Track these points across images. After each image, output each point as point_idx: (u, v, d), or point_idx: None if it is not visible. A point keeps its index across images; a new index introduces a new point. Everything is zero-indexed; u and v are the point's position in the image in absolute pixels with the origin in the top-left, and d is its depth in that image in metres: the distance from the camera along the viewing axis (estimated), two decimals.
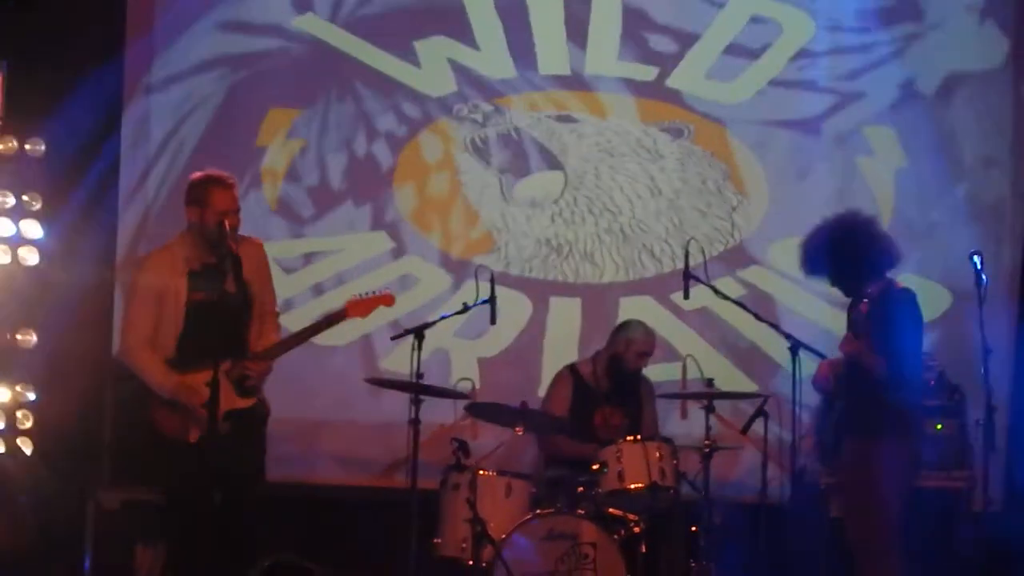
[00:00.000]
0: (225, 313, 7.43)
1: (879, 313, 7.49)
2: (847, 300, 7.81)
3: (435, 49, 9.98)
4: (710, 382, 8.53)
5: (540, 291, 9.91)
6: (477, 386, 9.08)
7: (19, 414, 9.11)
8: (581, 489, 8.35)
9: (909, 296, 7.58)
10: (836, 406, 7.61)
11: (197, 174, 7.69)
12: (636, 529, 8.21)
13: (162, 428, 7.45)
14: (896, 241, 7.72)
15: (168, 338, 7.48)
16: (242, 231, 7.54)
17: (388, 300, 7.88)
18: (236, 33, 9.96)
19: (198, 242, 7.55)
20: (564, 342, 9.82)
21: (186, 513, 7.43)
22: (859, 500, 7.46)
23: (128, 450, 9.01)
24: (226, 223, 7.41)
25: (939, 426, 8.78)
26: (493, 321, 8.28)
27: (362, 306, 7.78)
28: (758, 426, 8.52)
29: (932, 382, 8.90)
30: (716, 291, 8.33)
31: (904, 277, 7.79)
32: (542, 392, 9.36)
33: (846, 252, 7.55)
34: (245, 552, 7.14)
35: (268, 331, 7.66)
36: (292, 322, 8.42)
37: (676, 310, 9.69)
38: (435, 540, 8.25)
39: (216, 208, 7.47)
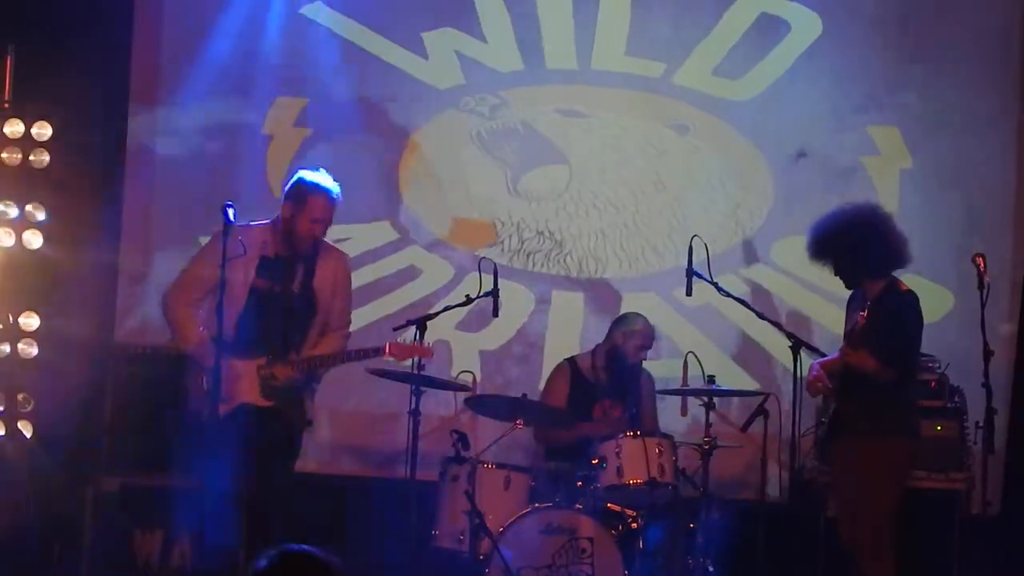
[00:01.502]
0: (279, 309, 7.52)
1: (881, 314, 7.48)
2: (848, 299, 7.82)
3: (443, 41, 9.98)
4: (711, 379, 8.53)
5: (543, 285, 9.92)
6: (478, 378, 9.09)
7: (19, 397, 9.12)
8: (580, 484, 8.36)
9: (912, 298, 7.57)
10: (832, 404, 7.61)
11: (309, 173, 7.70)
12: (634, 525, 8.22)
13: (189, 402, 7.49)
14: (907, 241, 7.69)
15: (229, 317, 7.38)
16: (244, 217, 7.52)
17: (427, 354, 7.80)
18: (245, 19, 9.98)
19: (279, 234, 7.58)
20: (566, 336, 9.82)
21: (196, 496, 7.49)
22: (855, 500, 7.46)
23: (128, 435, 9.01)
24: (302, 226, 7.49)
25: (939, 428, 8.77)
26: (495, 314, 8.28)
27: (401, 351, 7.72)
28: (758, 424, 8.54)
29: (933, 384, 8.88)
30: (719, 288, 8.33)
31: (906, 278, 7.78)
32: (543, 385, 9.36)
33: (858, 243, 7.52)
34: (264, 542, 7.15)
35: (325, 344, 7.67)
36: None
37: (678, 306, 9.69)
38: (433, 532, 8.27)
39: (309, 213, 7.53)
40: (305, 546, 4.23)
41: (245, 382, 7.46)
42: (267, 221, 7.67)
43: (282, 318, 7.54)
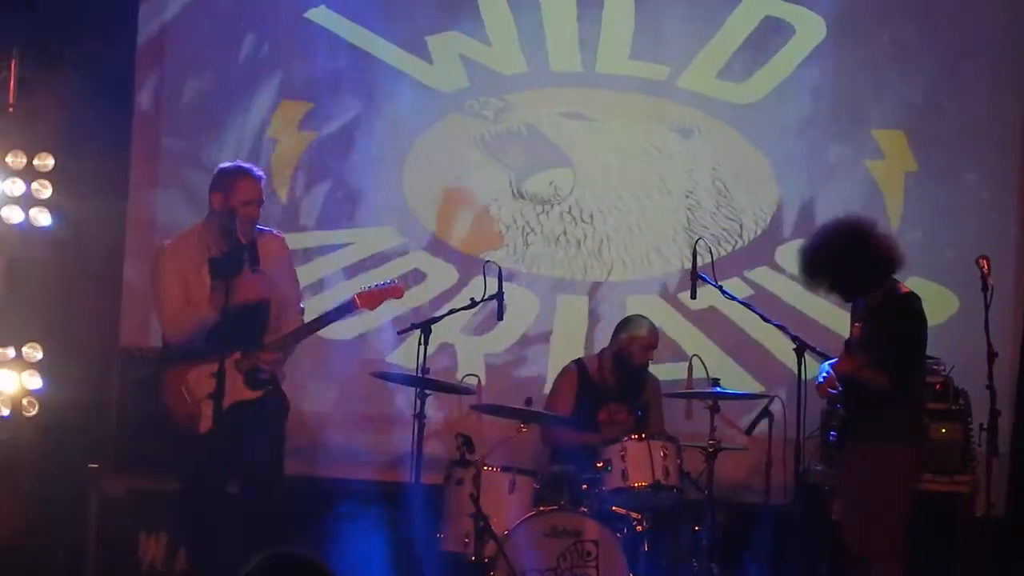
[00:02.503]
0: (237, 303, 7.44)
1: (879, 320, 7.45)
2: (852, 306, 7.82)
3: (447, 45, 9.99)
4: (715, 382, 8.54)
5: (548, 288, 9.92)
6: (483, 382, 9.10)
7: (25, 401, 9.13)
8: (585, 486, 8.36)
9: (913, 301, 7.52)
10: (838, 408, 7.59)
11: (227, 163, 7.75)
12: (639, 528, 8.22)
13: (174, 417, 7.49)
14: (898, 244, 7.64)
15: (193, 324, 7.42)
16: None
17: (397, 292, 7.74)
18: (250, 22, 10.00)
19: (215, 231, 7.53)
20: (571, 340, 9.82)
21: (197, 503, 7.51)
22: (864, 506, 7.43)
23: (133, 438, 9.03)
24: (239, 211, 7.44)
25: (943, 430, 8.77)
26: (500, 317, 8.28)
27: (371, 297, 7.71)
28: (762, 427, 8.53)
29: (937, 386, 8.88)
30: (723, 291, 8.33)
31: (910, 280, 7.78)
32: (548, 390, 9.36)
33: (845, 262, 7.45)
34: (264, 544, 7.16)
35: (286, 324, 7.63)
36: None
37: (683, 310, 9.70)
38: (438, 535, 8.27)
39: (239, 197, 7.48)
40: (294, 548, 4.23)
41: (227, 381, 7.34)
42: (198, 223, 7.66)
43: (243, 311, 7.44)
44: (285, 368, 7.70)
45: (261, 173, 7.64)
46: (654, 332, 9.04)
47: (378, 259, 9.90)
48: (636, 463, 8.28)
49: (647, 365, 9.08)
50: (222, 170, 7.65)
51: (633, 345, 8.98)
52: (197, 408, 7.36)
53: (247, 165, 7.69)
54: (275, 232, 7.83)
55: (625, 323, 9.11)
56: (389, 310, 9.46)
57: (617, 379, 9.05)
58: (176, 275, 7.54)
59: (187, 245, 7.56)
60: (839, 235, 7.52)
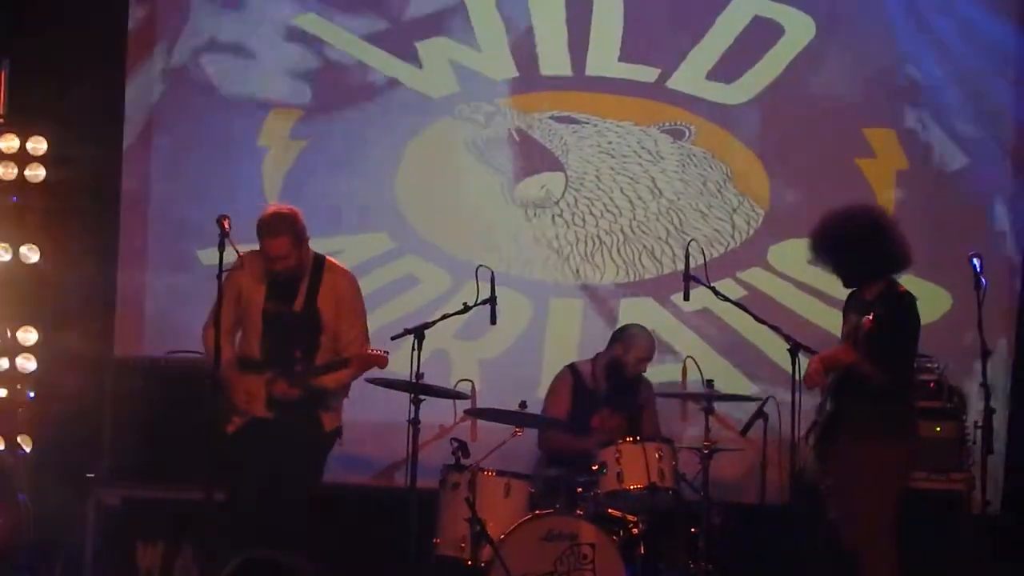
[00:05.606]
0: (284, 328, 7.74)
1: (880, 315, 7.44)
2: (846, 300, 7.82)
3: (437, 50, 9.99)
4: (710, 383, 8.53)
5: (541, 292, 9.92)
6: (477, 387, 9.09)
7: (19, 411, 9.12)
8: (580, 489, 8.36)
9: (910, 300, 7.55)
10: (827, 406, 7.59)
11: (266, 210, 7.83)
12: (635, 530, 8.21)
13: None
14: (910, 245, 7.66)
15: (250, 339, 7.72)
16: (238, 233, 7.61)
17: (382, 362, 7.82)
18: (240, 31, 10.01)
19: None
20: (564, 343, 9.82)
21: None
22: (853, 503, 7.45)
23: (129, 447, 9.02)
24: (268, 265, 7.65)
25: (938, 428, 8.77)
26: (493, 322, 8.27)
27: (359, 362, 7.81)
28: (757, 427, 8.53)
29: (932, 384, 8.89)
30: (716, 292, 8.31)
31: (905, 279, 7.77)
32: (542, 393, 9.35)
33: (858, 244, 7.48)
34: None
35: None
36: None
37: (676, 311, 9.70)
38: (434, 540, 8.26)
39: (266, 253, 7.67)
40: (271, 552, 4.23)
41: (257, 397, 7.70)
42: None
43: (286, 336, 7.73)
44: None
45: (276, 225, 7.68)
46: (651, 346, 9.01)
47: (371, 264, 9.89)
48: (631, 465, 8.27)
49: (640, 375, 9.07)
50: (259, 219, 7.73)
51: (628, 356, 8.96)
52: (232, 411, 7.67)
53: (267, 221, 7.70)
54: (344, 268, 8.01)
55: (623, 332, 9.07)
56: (384, 316, 9.49)
57: (610, 386, 9.03)
58: (235, 288, 7.74)
59: (251, 261, 7.68)
60: (855, 219, 7.54)
